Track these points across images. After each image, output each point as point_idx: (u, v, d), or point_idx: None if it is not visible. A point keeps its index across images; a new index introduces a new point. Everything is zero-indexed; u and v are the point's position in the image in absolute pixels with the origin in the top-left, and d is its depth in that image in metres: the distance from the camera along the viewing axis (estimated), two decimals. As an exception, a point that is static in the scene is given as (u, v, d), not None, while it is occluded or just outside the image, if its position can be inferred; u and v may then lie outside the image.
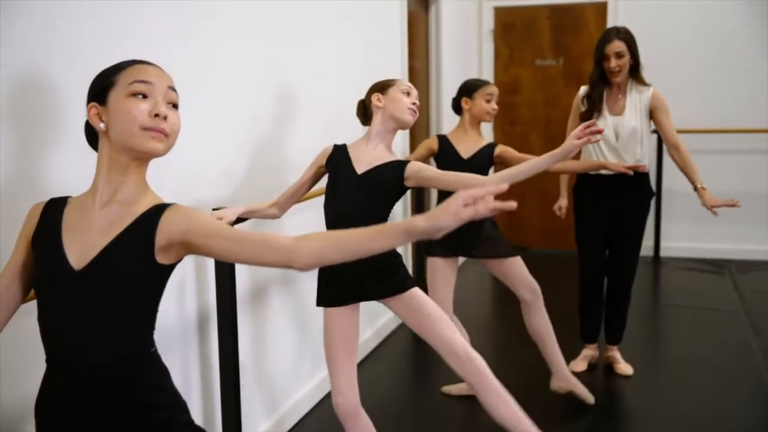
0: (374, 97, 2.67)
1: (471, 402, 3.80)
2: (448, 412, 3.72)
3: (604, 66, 3.73)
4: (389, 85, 2.68)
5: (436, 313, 2.62)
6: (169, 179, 2.58)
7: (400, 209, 5.03)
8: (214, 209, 2.66)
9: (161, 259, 1.54)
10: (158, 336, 2.50)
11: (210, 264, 2.77)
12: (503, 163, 3.51)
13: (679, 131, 6.24)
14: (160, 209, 1.55)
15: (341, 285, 2.62)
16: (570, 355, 4.01)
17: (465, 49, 6.59)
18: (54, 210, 1.60)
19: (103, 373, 1.52)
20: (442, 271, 3.59)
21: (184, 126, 2.60)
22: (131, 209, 1.56)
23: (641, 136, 3.77)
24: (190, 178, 2.72)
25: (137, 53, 2.38)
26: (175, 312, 2.68)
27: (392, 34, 4.81)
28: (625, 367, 4.08)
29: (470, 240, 3.49)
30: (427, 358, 4.35)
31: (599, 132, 2.42)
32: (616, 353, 4.12)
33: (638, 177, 3.73)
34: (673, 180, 6.57)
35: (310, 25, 3.65)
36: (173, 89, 1.60)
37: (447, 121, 5.88)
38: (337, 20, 3.98)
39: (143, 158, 1.58)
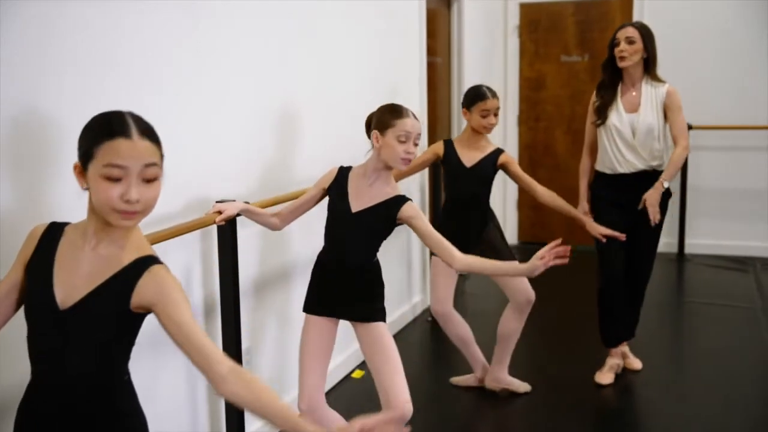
0: (373, 134, 2.67)
1: (477, 392, 3.89)
2: (456, 402, 3.81)
3: (614, 53, 3.71)
4: (389, 126, 2.62)
5: (393, 357, 2.68)
6: (181, 173, 2.70)
7: (417, 186, 5.10)
8: (217, 201, 2.76)
9: (136, 309, 1.64)
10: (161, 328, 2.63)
11: (215, 254, 2.87)
12: (507, 173, 3.60)
13: (707, 128, 6.30)
14: (140, 268, 1.63)
15: (323, 298, 2.76)
16: (589, 353, 3.96)
17: (490, 46, 6.62)
18: (51, 238, 1.69)
19: (78, 399, 1.65)
20: (443, 270, 3.68)
21: (197, 123, 2.74)
22: (116, 257, 1.64)
23: (658, 133, 3.72)
24: (200, 172, 2.82)
25: (151, 53, 2.50)
26: (181, 300, 2.79)
27: (410, 32, 4.87)
28: (634, 362, 4.07)
29: (470, 243, 3.49)
30: (438, 351, 4.42)
31: (565, 256, 2.44)
32: (625, 347, 4.08)
33: (654, 175, 3.69)
34: (698, 177, 6.55)
35: (326, 22, 3.74)
36: (152, 164, 1.58)
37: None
38: (353, 18, 4.06)
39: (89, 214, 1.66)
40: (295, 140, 3.47)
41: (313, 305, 2.79)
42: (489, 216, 3.71)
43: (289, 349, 3.52)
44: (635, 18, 6.53)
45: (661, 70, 6.42)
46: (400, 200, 2.65)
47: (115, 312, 1.62)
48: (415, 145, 2.64)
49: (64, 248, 1.67)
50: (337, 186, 2.74)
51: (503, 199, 6.94)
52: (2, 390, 2.01)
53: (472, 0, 5.97)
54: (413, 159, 2.66)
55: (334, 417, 2.84)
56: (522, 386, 3.84)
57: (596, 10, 6.71)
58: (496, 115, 3.58)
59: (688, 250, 6.61)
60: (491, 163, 3.60)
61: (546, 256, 2.46)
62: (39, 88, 2.10)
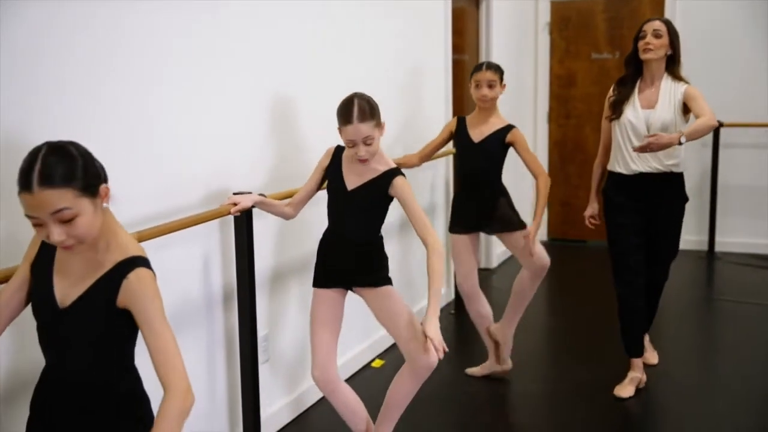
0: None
1: (494, 389, 3.97)
2: (470, 391, 3.90)
3: (639, 45, 3.57)
4: (340, 130, 2.74)
5: (406, 312, 2.82)
6: (197, 168, 2.84)
7: (442, 181, 5.17)
8: (234, 193, 2.90)
9: (123, 307, 1.76)
10: (184, 310, 2.77)
11: (233, 244, 3.01)
12: (515, 151, 3.70)
13: (737, 125, 6.26)
14: (123, 271, 1.74)
15: (329, 271, 2.90)
16: (615, 355, 3.95)
17: (520, 43, 6.66)
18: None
19: (78, 392, 1.79)
20: (463, 245, 3.84)
21: (213, 118, 2.87)
22: (104, 260, 1.76)
23: (674, 131, 3.49)
24: (217, 167, 2.96)
25: (166, 49, 2.64)
26: (200, 287, 2.94)
27: (436, 30, 4.96)
28: (650, 356, 4.04)
29: (483, 219, 3.74)
30: (459, 344, 4.50)
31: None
32: (644, 337, 3.96)
33: (670, 178, 3.60)
34: (728, 175, 6.52)
35: (349, 19, 3.86)
36: (58, 210, 1.62)
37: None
38: (378, 17, 4.18)
39: None
40: (315, 135, 3.57)
41: (320, 279, 2.94)
42: (500, 192, 3.77)
43: (305, 337, 3.64)
44: (668, 14, 6.53)
45: (691, 67, 6.40)
46: (391, 174, 2.77)
47: (105, 311, 1.75)
48: (368, 144, 2.69)
49: (61, 250, 1.78)
50: (333, 166, 2.88)
51: (534, 197, 6.97)
52: (23, 372, 2.16)
53: (502, -2, 6.05)
54: (368, 159, 2.73)
55: (347, 389, 2.99)
56: (505, 363, 3.96)
57: (627, 7, 6.71)
58: (491, 87, 3.64)
59: (718, 248, 6.58)
60: (500, 140, 3.68)
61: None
62: (40, 87, 2.21)
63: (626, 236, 3.65)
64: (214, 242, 3.01)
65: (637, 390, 3.76)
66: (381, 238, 2.91)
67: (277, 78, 3.34)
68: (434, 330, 2.57)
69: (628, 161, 3.60)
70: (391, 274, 2.94)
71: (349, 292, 2.98)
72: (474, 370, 4.06)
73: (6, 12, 2.07)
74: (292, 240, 3.47)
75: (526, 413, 3.66)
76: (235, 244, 2.95)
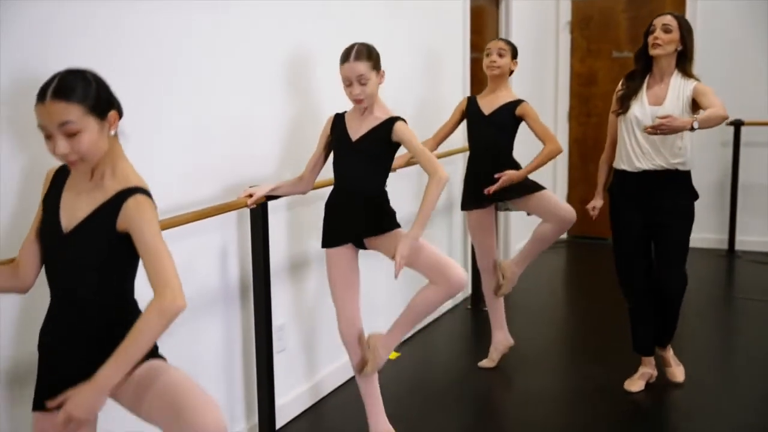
0: None
1: (504, 376, 4.03)
2: (484, 385, 3.97)
3: (648, 40, 3.50)
4: (341, 65, 2.88)
5: (427, 245, 2.89)
6: (210, 161, 2.95)
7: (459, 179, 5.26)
8: (251, 186, 3.00)
9: (121, 232, 1.88)
10: (202, 300, 2.88)
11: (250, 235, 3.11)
12: (526, 123, 3.78)
13: (758, 123, 6.24)
14: (125, 196, 1.87)
15: (337, 228, 2.99)
16: (631, 357, 3.90)
17: (540, 42, 6.71)
18: (61, 176, 1.98)
19: (87, 314, 1.91)
20: (478, 222, 3.95)
21: (227, 113, 2.96)
22: (108, 188, 1.90)
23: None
24: (229, 159, 3.07)
25: (184, 45, 2.75)
26: (218, 278, 3.04)
27: (454, 29, 5.03)
28: (676, 371, 3.82)
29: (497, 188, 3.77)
30: (475, 340, 4.56)
31: None
32: (667, 354, 3.84)
33: (675, 176, 3.51)
34: (749, 173, 6.50)
35: (368, 19, 3.94)
36: (64, 123, 1.77)
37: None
38: (396, 16, 4.26)
39: None
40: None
41: (330, 238, 3.02)
42: (511, 163, 3.84)
43: (322, 327, 3.74)
44: (688, 14, 6.53)
45: (712, 66, 6.44)
46: (392, 120, 2.89)
47: (105, 234, 1.87)
48: (362, 84, 2.83)
49: (71, 183, 1.94)
50: (337, 126, 3.01)
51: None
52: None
53: (522, -3, 6.10)
54: (363, 98, 2.86)
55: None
56: (506, 287, 4.04)
57: (648, 6, 6.71)
58: (501, 56, 3.78)
59: (738, 246, 6.57)
60: (510, 112, 3.76)
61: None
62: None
63: (630, 236, 3.61)
64: (231, 235, 3.11)
65: (650, 385, 3.78)
66: (386, 192, 2.98)
67: (295, 73, 3.44)
68: (405, 249, 2.72)
69: (632, 158, 3.52)
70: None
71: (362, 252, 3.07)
72: (485, 363, 4.13)
73: (6, 11, 2.14)
74: (309, 232, 3.55)
75: (539, 406, 3.70)
76: (251, 236, 3.05)
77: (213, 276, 3.02)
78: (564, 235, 7.12)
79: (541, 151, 3.76)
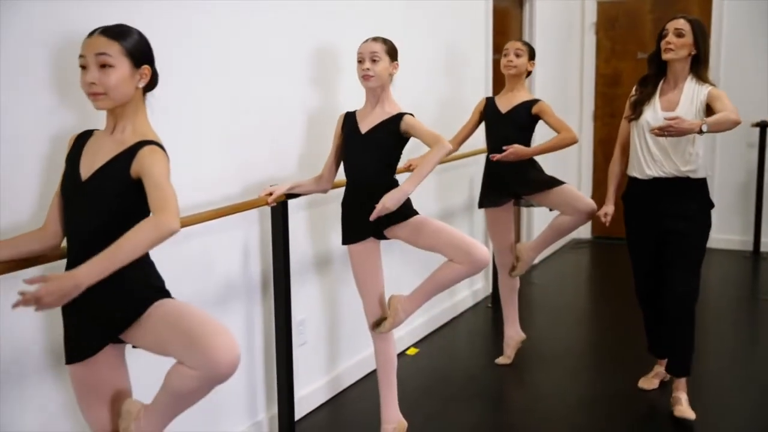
0: None
1: (516, 371, 4.12)
2: (499, 379, 4.05)
3: (661, 44, 3.43)
4: (359, 48, 3.05)
5: (446, 227, 3.02)
6: (234, 161, 3.07)
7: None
8: (271, 185, 3.11)
9: (135, 177, 2.01)
10: (225, 294, 3.01)
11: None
12: (543, 119, 3.87)
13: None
14: (140, 146, 2.02)
15: (355, 223, 3.09)
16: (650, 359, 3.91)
17: (565, 43, 6.76)
18: (83, 138, 2.13)
19: None
20: (496, 220, 4.07)
21: (250, 116, 3.09)
22: (126, 140, 2.06)
23: (694, 136, 3.31)
24: (252, 159, 3.19)
25: (205, 45, 2.87)
26: (240, 273, 3.16)
27: (477, 31, 5.11)
28: (684, 410, 3.45)
29: (515, 184, 3.92)
30: (495, 338, 4.61)
31: None
32: (679, 393, 3.52)
33: (688, 184, 3.40)
34: (774, 175, 6.49)
35: (389, 17, 4.03)
36: (101, 54, 1.98)
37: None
38: (419, 18, 4.36)
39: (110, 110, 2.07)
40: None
41: (350, 234, 3.13)
42: (529, 161, 3.92)
43: (342, 322, 3.85)
44: (714, 15, 6.54)
45: (739, 67, 6.43)
46: (401, 114, 3.02)
47: (119, 181, 2.01)
48: (374, 61, 2.98)
49: (91, 142, 2.11)
50: (348, 123, 3.14)
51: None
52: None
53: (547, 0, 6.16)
54: (372, 76, 2.99)
55: (391, 340, 3.22)
56: (521, 268, 4.09)
57: (674, 7, 6.72)
58: (517, 56, 3.89)
59: (763, 248, 6.57)
60: (526, 110, 3.86)
61: None
62: (46, 86, 2.35)
63: (643, 244, 3.56)
64: (254, 232, 3.23)
65: (665, 384, 3.79)
66: (397, 182, 3.06)
67: (318, 75, 3.55)
68: (390, 200, 2.80)
69: (642, 165, 3.43)
70: (419, 271, 3.10)
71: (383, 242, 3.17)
72: (501, 359, 4.22)
73: (7, 11, 2.24)
74: (330, 229, 3.66)
75: (553, 404, 3.77)
76: (272, 233, 3.16)
77: (235, 271, 3.14)
78: (588, 235, 7.20)
79: (555, 136, 3.84)
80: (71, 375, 2.11)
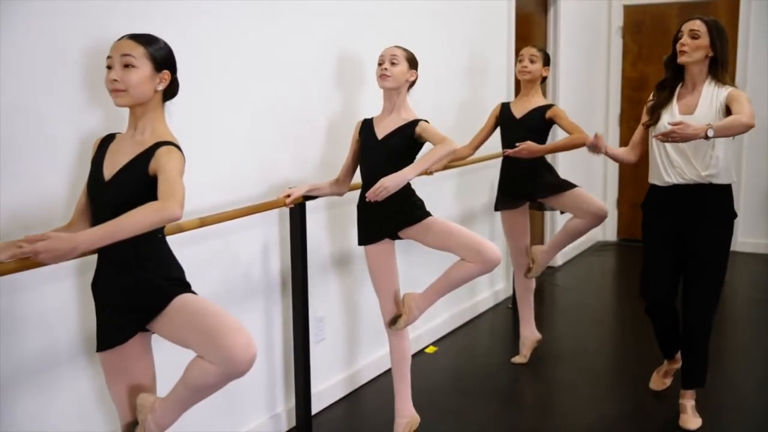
0: None
1: (532, 369, 4.20)
2: (516, 376, 4.14)
3: (676, 47, 3.32)
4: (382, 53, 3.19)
5: (457, 228, 3.14)
6: (256, 164, 3.21)
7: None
8: (290, 187, 3.24)
9: (153, 174, 2.15)
10: (246, 292, 3.14)
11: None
12: (557, 123, 3.96)
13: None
14: (158, 146, 2.17)
15: (370, 225, 3.23)
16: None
17: (591, 47, 6.80)
18: (106, 142, 2.29)
19: (123, 254, 2.17)
20: (512, 222, 4.18)
21: (272, 120, 3.23)
22: (145, 142, 2.21)
23: (714, 139, 3.14)
24: (273, 162, 3.33)
25: (231, 51, 3.02)
26: (261, 271, 3.30)
27: (499, 35, 5.20)
28: (688, 419, 3.47)
29: (530, 187, 4.03)
30: (514, 338, 4.68)
31: None
32: (686, 400, 3.52)
33: (710, 191, 3.29)
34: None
35: (412, 24, 4.15)
36: (126, 55, 2.15)
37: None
38: (442, 27, 4.47)
39: (130, 110, 2.23)
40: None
41: (366, 236, 3.26)
42: (543, 165, 4.04)
43: (360, 321, 3.97)
44: (742, 20, 6.54)
45: (766, 70, 6.37)
46: (417, 121, 3.14)
47: (140, 179, 2.15)
48: (393, 64, 3.12)
49: (114, 143, 2.26)
50: (365, 129, 3.28)
51: (603, 198, 7.09)
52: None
53: (574, 2, 6.21)
54: (389, 76, 3.12)
55: (406, 339, 3.33)
56: (537, 269, 4.23)
57: (701, 11, 6.67)
58: (532, 61, 3.99)
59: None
60: (540, 115, 3.96)
61: None
62: (52, 89, 2.40)
63: (658, 252, 3.43)
64: (274, 232, 3.37)
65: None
66: (410, 184, 3.17)
67: (339, 81, 3.68)
68: (389, 180, 2.87)
69: (661, 172, 3.33)
70: (436, 270, 3.22)
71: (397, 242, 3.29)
72: (517, 359, 4.31)
73: (7, 12, 2.33)
74: (349, 229, 3.79)
75: (568, 401, 3.87)
76: (290, 233, 3.30)
77: (256, 269, 3.28)
78: (614, 238, 7.24)
79: (567, 136, 3.93)
80: (102, 361, 2.28)
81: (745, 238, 6.60)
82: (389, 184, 2.86)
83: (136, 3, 2.62)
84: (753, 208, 6.58)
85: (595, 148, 3.42)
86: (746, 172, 6.62)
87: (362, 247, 3.32)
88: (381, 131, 3.20)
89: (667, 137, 3.01)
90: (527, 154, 3.82)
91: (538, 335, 4.34)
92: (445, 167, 4.02)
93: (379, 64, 3.16)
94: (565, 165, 6.09)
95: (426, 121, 3.15)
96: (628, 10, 7.05)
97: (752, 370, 4.18)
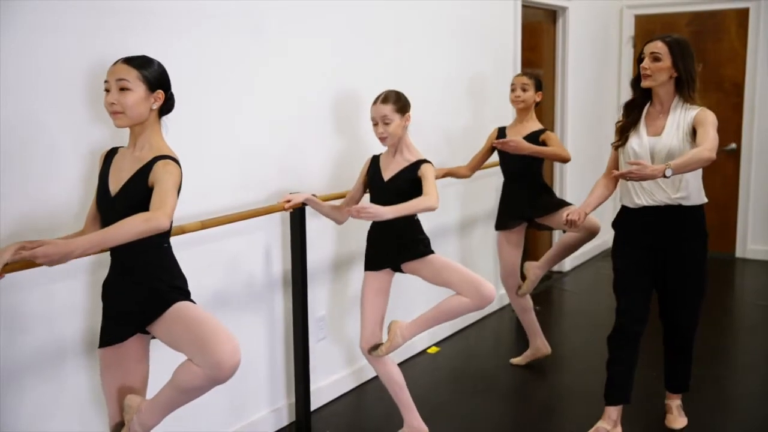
0: None
1: (533, 370, 4.32)
2: (516, 377, 4.27)
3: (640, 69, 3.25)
4: (371, 108, 3.28)
5: (457, 266, 3.28)
6: (259, 171, 3.39)
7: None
8: (291, 193, 3.42)
9: (151, 186, 2.31)
10: (249, 292, 3.36)
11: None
12: (548, 145, 4.08)
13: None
14: (156, 161, 2.34)
15: (377, 254, 3.38)
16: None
17: (602, 56, 6.91)
18: (110, 155, 2.47)
19: (132, 260, 2.37)
20: (507, 241, 4.31)
21: (277, 131, 3.42)
22: (146, 155, 2.38)
23: None
24: (276, 170, 3.52)
25: (243, 63, 3.20)
26: (263, 272, 3.49)
27: (504, 50, 5.34)
28: (674, 419, 3.59)
29: (527, 207, 4.16)
30: (517, 343, 4.81)
31: None
32: (671, 400, 3.65)
33: (681, 212, 3.25)
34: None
35: (415, 40, 4.31)
36: (121, 79, 2.30)
37: (571, 126, 6.28)
38: (446, 31, 4.62)
39: (129, 128, 2.40)
40: (377, 143, 4.03)
41: (371, 263, 3.42)
42: (541, 186, 4.19)
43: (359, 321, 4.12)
44: (751, 29, 6.60)
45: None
46: (420, 162, 3.27)
47: (142, 192, 2.33)
48: (386, 124, 3.22)
49: (117, 159, 2.44)
50: (373, 167, 3.42)
51: (613, 210, 7.15)
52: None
53: (583, 12, 6.33)
54: (386, 137, 3.24)
55: (390, 362, 3.42)
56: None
57: (711, 20, 6.82)
58: (524, 90, 4.12)
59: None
60: (534, 140, 4.08)
61: None
62: (56, 94, 2.51)
63: (628, 279, 3.40)
64: (276, 235, 3.55)
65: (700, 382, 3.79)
66: (418, 221, 3.35)
67: (345, 89, 3.86)
68: (373, 207, 2.94)
69: (631, 194, 3.28)
70: (431, 300, 3.37)
71: (399, 274, 3.43)
72: (517, 360, 4.43)
73: (6, 13, 2.52)
74: (351, 233, 3.96)
75: (567, 400, 3.98)
76: (290, 237, 3.47)
77: (259, 270, 3.46)
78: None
79: (553, 150, 4.06)
80: (100, 357, 2.46)
81: (754, 246, 6.66)
82: (373, 212, 2.96)
83: (140, 19, 2.82)
84: (761, 215, 6.63)
85: (573, 224, 3.36)
86: (754, 181, 6.67)
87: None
88: (387, 173, 3.34)
89: (625, 177, 2.96)
90: (513, 148, 3.94)
91: (548, 349, 4.42)
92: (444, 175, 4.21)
93: (374, 125, 3.27)
94: (573, 177, 6.22)
95: (429, 162, 3.27)
96: (639, 19, 7.15)
97: (760, 378, 4.24)
